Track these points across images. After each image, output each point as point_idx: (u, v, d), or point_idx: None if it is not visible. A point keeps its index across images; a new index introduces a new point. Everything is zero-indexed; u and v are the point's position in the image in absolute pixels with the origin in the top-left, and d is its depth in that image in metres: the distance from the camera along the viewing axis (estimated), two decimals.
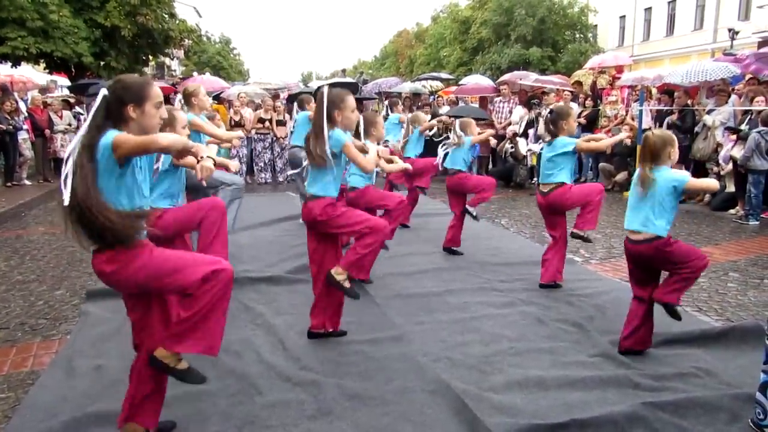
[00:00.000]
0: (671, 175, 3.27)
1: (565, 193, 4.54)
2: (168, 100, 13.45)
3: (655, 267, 3.43)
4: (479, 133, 5.86)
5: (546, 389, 3.05)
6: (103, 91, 2.30)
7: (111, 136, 2.19)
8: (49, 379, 3.19)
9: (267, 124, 11.61)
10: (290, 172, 6.60)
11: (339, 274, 3.40)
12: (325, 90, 3.39)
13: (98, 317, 4.08)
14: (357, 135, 4.77)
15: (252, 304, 4.35)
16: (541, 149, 4.85)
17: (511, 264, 5.40)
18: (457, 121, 5.81)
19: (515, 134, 11.03)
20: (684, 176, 3.29)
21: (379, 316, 4.10)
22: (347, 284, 3.41)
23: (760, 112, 7.76)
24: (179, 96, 5.07)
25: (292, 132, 7.52)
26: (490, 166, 12.03)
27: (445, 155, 5.72)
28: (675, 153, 3.30)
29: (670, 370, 3.24)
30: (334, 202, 3.43)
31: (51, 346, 3.72)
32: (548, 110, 4.74)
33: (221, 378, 3.14)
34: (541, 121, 10.50)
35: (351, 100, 3.44)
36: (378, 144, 4.80)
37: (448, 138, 5.91)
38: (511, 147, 10.93)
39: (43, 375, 3.25)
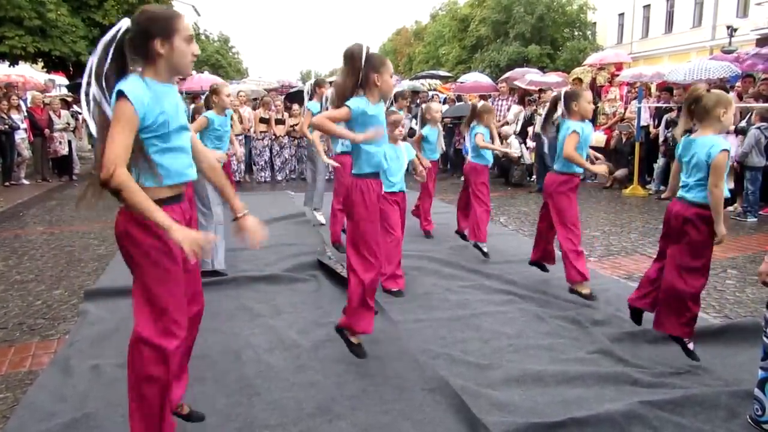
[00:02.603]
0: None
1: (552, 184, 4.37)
2: None
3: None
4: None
5: (544, 386, 3.05)
6: (125, 23, 2.03)
7: (114, 93, 1.94)
8: (48, 379, 3.18)
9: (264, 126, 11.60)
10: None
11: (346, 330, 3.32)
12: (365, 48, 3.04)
13: (96, 317, 4.08)
14: None
15: (250, 304, 4.35)
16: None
17: (510, 262, 5.40)
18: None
19: (507, 135, 11.07)
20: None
21: (379, 314, 4.09)
22: (353, 339, 3.31)
23: (751, 111, 7.77)
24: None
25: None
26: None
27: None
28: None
29: (668, 368, 3.24)
30: (356, 181, 3.14)
31: (49, 346, 3.72)
32: (563, 91, 4.52)
33: (219, 378, 3.14)
34: (539, 118, 10.52)
35: (390, 64, 3.15)
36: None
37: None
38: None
39: (41, 375, 3.25)
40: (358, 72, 3.01)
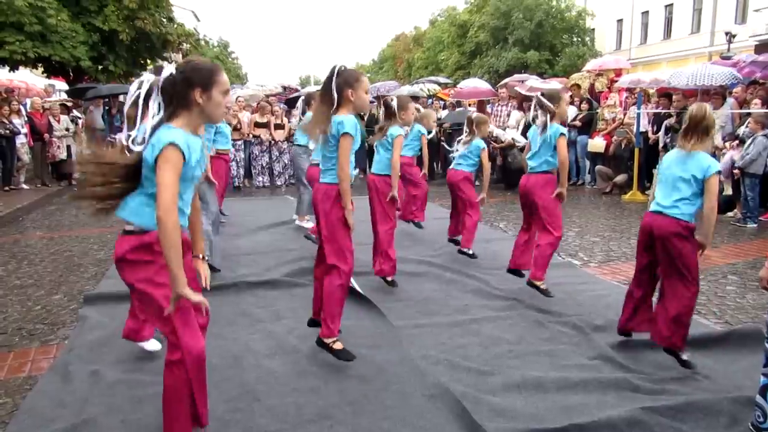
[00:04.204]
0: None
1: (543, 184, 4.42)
2: None
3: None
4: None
5: (545, 392, 3.05)
6: (169, 69, 2.16)
7: (163, 144, 2.08)
8: (47, 384, 3.17)
9: (263, 132, 11.60)
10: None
11: (327, 339, 3.30)
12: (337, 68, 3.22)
13: (96, 322, 4.07)
14: (387, 116, 4.84)
15: (250, 309, 4.34)
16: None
17: None
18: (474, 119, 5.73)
19: (491, 133, 11.21)
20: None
21: (379, 319, 4.09)
22: (338, 346, 3.29)
23: (749, 114, 7.79)
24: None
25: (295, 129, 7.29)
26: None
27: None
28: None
29: (669, 374, 3.24)
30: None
31: (49, 351, 3.70)
32: (539, 93, 4.64)
33: (219, 384, 3.13)
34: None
35: (365, 80, 3.32)
36: (404, 128, 4.88)
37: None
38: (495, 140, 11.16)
39: (40, 380, 3.24)
40: (333, 88, 3.18)
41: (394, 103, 4.88)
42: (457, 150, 5.78)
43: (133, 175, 2.19)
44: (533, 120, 4.61)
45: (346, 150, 3.20)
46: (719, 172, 3.20)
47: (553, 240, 4.42)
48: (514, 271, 4.79)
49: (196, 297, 2.15)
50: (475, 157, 5.69)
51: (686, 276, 3.22)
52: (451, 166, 5.89)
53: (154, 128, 2.15)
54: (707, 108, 3.32)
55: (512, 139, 10.99)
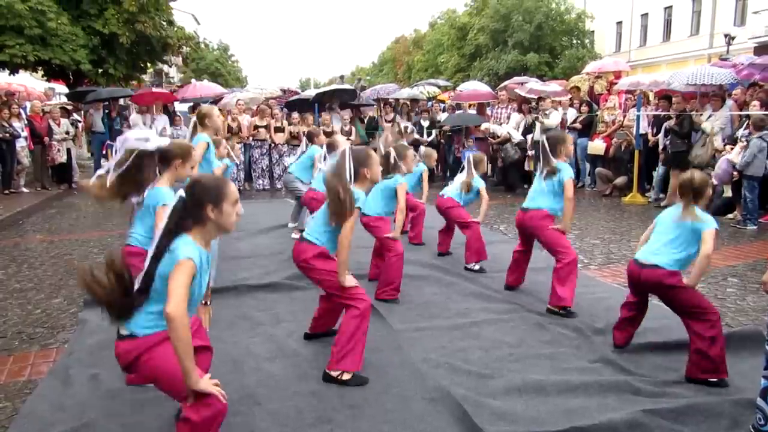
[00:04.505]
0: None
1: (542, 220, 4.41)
2: (167, 108, 13.46)
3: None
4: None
5: (546, 395, 3.04)
6: (180, 193, 2.28)
7: (182, 258, 2.16)
8: (47, 388, 3.17)
9: (263, 131, 11.61)
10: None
11: (334, 371, 3.19)
12: (348, 150, 3.37)
13: (96, 326, 4.05)
14: (387, 165, 4.71)
15: (250, 312, 4.34)
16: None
17: None
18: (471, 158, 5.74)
19: (488, 130, 11.42)
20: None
21: (379, 322, 4.08)
22: (346, 377, 3.18)
23: (749, 116, 7.79)
24: (193, 118, 5.11)
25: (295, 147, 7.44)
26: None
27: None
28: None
29: (670, 376, 3.24)
30: (326, 253, 3.29)
31: (48, 355, 3.70)
32: (545, 137, 4.61)
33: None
34: (538, 125, 10.55)
35: (375, 155, 3.49)
36: (404, 176, 4.82)
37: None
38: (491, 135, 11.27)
39: (40, 384, 3.23)
40: (348, 171, 3.28)
41: (393, 155, 4.76)
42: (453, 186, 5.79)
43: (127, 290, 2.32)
44: (537, 118, 4.61)
45: (351, 222, 3.20)
46: (717, 229, 3.22)
47: (565, 265, 4.27)
48: (511, 287, 4.85)
49: (211, 388, 2.17)
50: (472, 195, 5.72)
51: (696, 313, 3.19)
52: (441, 192, 5.85)
53: (169, 237, 2.23)
54: (699, 174, 3.34)
55: (508, 133, 11.02)
